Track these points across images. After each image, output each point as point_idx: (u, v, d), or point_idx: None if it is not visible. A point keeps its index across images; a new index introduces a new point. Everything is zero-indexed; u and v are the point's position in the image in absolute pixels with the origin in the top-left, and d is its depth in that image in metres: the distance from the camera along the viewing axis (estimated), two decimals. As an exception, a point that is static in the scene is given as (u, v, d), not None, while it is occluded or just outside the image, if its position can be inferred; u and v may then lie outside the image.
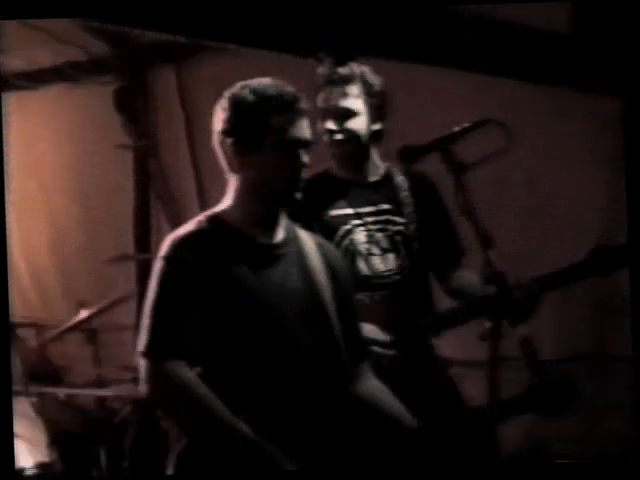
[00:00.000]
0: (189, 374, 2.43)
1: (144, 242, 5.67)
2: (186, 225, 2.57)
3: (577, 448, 4.33)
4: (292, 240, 2.63)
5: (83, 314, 4.82)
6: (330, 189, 3.23)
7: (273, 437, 2.42)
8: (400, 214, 3.24)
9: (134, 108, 5.60)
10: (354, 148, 3.23)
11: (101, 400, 4.69)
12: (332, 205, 3.22)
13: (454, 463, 2.90)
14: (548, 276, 3.09)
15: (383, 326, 3.10)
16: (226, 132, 2.56)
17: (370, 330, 3.03)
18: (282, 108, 2.52)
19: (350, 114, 3.20)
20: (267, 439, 2.41)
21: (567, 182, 4.53)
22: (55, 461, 4.38)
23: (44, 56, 5.47)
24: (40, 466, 4.33)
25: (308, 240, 2.68)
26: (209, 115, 2.62)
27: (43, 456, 4.37)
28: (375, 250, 3.21)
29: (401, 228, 3.23)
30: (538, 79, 4.31)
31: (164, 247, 2.52)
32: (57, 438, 4.44)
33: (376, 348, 3.04)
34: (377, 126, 3.24)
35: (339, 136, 3.20)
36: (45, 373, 4.92)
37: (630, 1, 3.01)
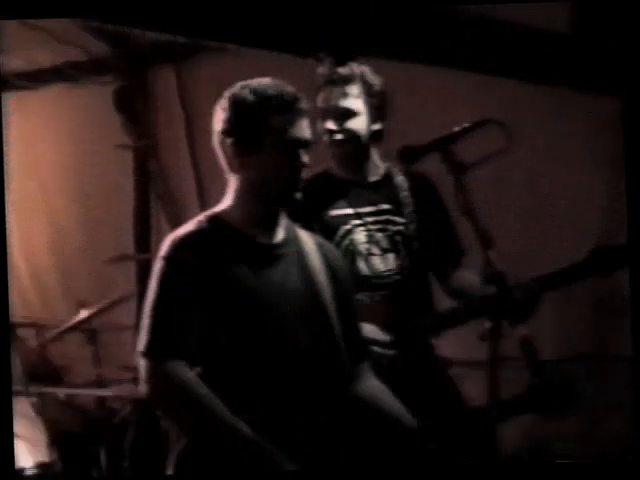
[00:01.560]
0: (189, 374, 2.43)
1: (144, 242, 5.67)
2: (186, 225, 2.57)
3: (577, 448, 4.33)
4: (292, 240, 2.63)
5: (83, 314, 4.82)
6: (330, 189, 3.23)
7: (273, 437, 2.42)
8: (400, 214, 3.24)
9: (134, 108, 5.60)
10: (354, 148, 3.23)
11: (101, 400, 4.69)
12: (332, 205, 3.22)
13: (454, 463, 2.89)
14: (548, 276, 3.09)
15: (383, 326, 3.10)
16: (226, 132, 2.56)
17: (370, 330, 3.03)
18: (282, 108, 2.52)
19: (350, 114, 3.20)
20: (267, 439, 2.41)
21: (567, 182, 4.53)
22: (55, 461, 4.38)
23: (44, 56, 5.47)
24: (40, 466, 4.33)
25: (308, 240, 2.68)
26: (209, 115, 2.62)
27: (43, 456, 4.37)
28: (375, 250, 3.21)
29: (401, 228, 3.23)
30: (538, 79, 4.31)
31: (164, 247, 2.52)
32: (57, 438, 4.43)
33: (376, 348, 3.03)
34: (377, 126, 3.24)
35: (339, 136, 3.20)
36: (45, 373, 4.91)
37: (630, 1, 3.01)
